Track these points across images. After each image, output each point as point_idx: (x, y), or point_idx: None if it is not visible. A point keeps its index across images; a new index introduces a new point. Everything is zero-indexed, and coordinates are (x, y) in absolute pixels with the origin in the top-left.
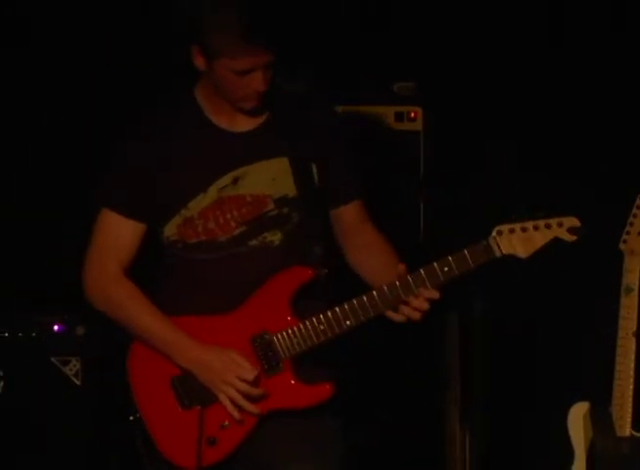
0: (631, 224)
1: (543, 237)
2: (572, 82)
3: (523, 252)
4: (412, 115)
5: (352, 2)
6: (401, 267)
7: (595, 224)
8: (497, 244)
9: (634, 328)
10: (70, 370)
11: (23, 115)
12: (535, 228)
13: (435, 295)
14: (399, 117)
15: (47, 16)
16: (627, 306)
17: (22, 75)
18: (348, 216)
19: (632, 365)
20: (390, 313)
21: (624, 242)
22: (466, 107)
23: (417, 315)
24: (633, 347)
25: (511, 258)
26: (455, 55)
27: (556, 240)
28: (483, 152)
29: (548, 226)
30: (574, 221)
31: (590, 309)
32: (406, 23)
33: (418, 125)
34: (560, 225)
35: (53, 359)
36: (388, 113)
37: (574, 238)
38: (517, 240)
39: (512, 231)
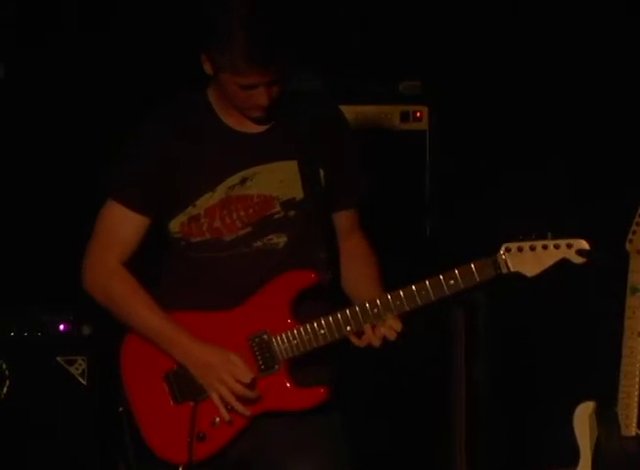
0: (637, 224)
1: (551, 257)
2: (578, 82)
3: (529, 270)
4: (418, 114)
5: (358, 1)
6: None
7: (600, 224)
8: (505, 261)
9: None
10: (76, 370)
11: (23, 114)
12: (544, 248)
13: (399, 326)
14: (405, 116)
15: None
16: (633, 307)
17: (21, 75)
18: (341, 222)
19: (638, 365)
20: (354, 339)
21: (630, 242)
22: (472, 106)
23: (377, 342)
24: (639, 347)
25: (517, 276)
26: (461, 54)
27: (564, 261)
28: (490, 152)
29: (557, 247)
30: (584, 244)
31: (596, 309)
32: (411, 21)
33: (424, 125)
34: (569, 247)
35: (59, 359)
36: (393, 112)
37: (583, 260)
38: (524, 258)
39: (520, 249)
